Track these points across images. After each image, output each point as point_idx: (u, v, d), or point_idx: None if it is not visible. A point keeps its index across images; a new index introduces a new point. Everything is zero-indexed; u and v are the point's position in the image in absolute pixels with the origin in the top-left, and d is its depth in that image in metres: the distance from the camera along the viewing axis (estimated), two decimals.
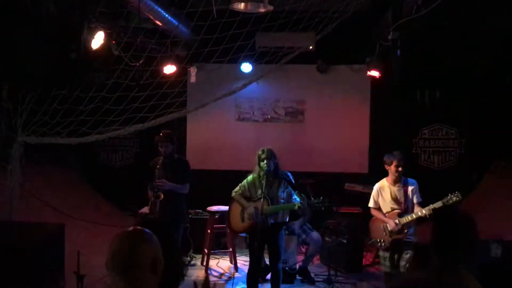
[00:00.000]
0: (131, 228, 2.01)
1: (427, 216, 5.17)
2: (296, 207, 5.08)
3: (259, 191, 5.20)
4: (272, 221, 5.14)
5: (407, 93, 8.62)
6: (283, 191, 5.21)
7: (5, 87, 5.65)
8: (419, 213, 5.23)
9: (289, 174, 5.31)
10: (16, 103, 5.26)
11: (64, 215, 6.48)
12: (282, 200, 5.18)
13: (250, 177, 5.34)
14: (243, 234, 5.41)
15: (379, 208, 5.54)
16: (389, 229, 5.37)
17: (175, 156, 5.96)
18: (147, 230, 2.00)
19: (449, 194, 5.08)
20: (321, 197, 5.27)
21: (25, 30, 5.61)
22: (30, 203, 6.13)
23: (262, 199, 5.04)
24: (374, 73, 7.90)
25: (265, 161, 5.14)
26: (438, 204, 5.11)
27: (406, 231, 5.32)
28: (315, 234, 6.82)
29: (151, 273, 1.90)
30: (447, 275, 2.23)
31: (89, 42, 5.65)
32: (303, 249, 7.17)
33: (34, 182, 6.71)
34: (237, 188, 5.41)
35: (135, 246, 1.89)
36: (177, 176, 5.78)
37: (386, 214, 5.46)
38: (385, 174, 5.58)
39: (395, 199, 5.43)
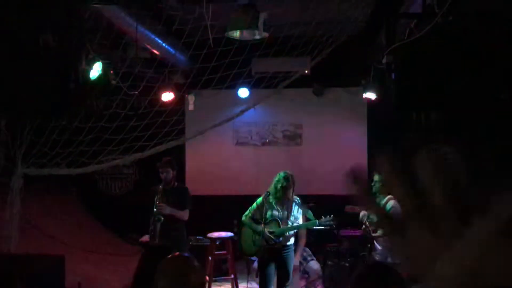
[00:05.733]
0: (177, 254, 2.14)
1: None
2: (314, 226, 5.39)
3: (269, 213, 5.26)
4: (279, 241, 5.25)
5: (403, 114, 8.65)
6: (298, 212, 5.37)
7: (3, 119, 5.66)
8: None
9: (297, 198, 5.44)
10: (15, 134, 5.27)
11: (64, 245, 6.44)
12: (297, 221, 5.34)
13: (259, 200, 5.40)
14: (254, 258, 5.49)
15: None
16: None
17: (175, 183, 5.98)
18: (191, 257, 2.16)
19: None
20: (331, 215, 5.45)
21: (23, 61, 5.65)
22: (29, 233, 6.09)
23: (279, 221, 5.20)
24: (370, 95, 7.95)
25: (285, 186, 5.26)
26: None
27: None
28: (314, 264, 6.78)
29: None
30: None
31: (87, 72, 5.70)
32: (305, 276, 7.10)
33: (33, 211, 6.69)
34: (247, 211, 5.46)
35: (185, 270, 2.00)
36: (177, 203, 5.79)
37: None
38: None
39: None
